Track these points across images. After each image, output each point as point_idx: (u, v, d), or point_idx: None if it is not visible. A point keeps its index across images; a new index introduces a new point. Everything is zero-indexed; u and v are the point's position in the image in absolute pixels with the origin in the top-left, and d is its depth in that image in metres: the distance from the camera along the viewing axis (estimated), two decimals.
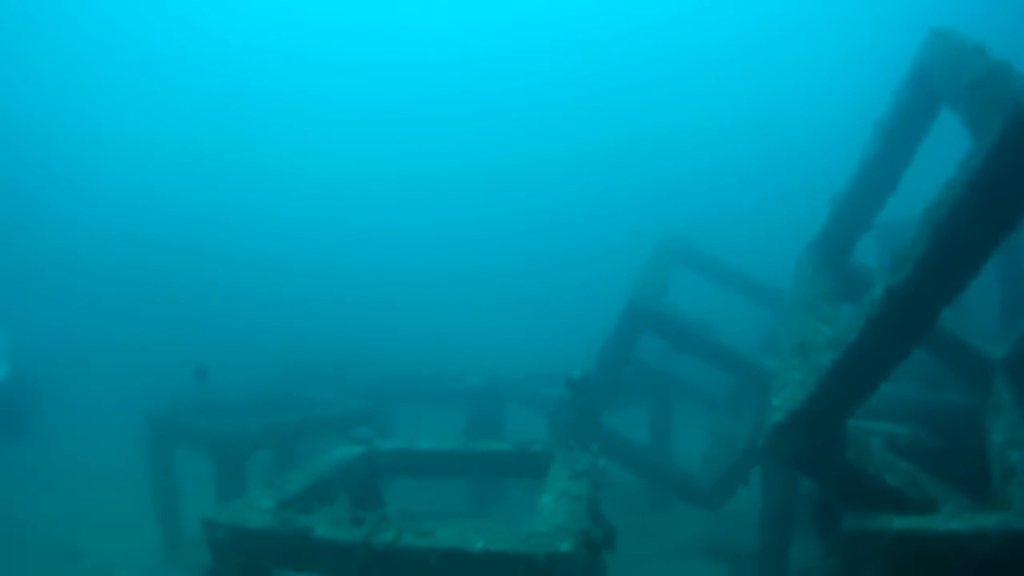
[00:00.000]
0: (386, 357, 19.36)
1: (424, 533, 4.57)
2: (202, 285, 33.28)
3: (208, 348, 22.55)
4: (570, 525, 4.63)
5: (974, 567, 4.10)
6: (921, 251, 4.42)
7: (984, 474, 5.30)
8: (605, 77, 48.70)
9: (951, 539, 4.21)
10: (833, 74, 41.42)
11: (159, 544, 11.34)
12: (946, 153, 5.10)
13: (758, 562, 8.69)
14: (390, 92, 50.67)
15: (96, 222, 37.14)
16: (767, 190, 39.41)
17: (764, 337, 12.51)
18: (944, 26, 6.10)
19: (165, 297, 31.62)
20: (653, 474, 10.60)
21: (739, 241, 16.71)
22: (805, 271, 7.91)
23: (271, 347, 21.66)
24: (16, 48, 42.33)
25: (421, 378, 14.90)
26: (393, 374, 15.41)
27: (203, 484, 11.28)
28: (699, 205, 34.36)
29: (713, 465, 12.54)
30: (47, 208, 37.30)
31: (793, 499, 8.34)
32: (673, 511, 12.23)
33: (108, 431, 18.03)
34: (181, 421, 10.11)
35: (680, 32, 47.34)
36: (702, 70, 46.83)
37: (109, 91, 46.24)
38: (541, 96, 49.23)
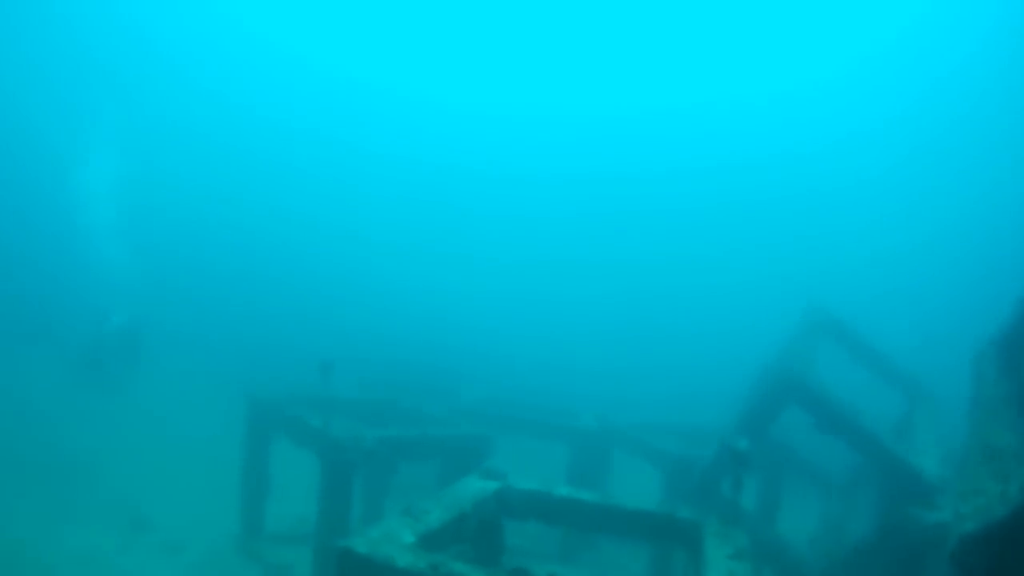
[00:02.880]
0: (492, 377, 18.87)
1: None
2: (319, 283, 33.25)
3: (314, 341, 22.49)
4: None
5: None
6: None
7: None
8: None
9: None
10: None
11: (237, 532, 10.87)
12: None
13: None
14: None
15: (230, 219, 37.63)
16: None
17: (895, 424, 11.73)
18: None
19: (284, 287, 31.73)
20: (761, 551, 9.95)
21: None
22: (987, 371, 7.23)
23: (376, 350, 21.39)
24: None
25: (529, 408, 14.36)
26: (499, 398, 14.88)
27: (294, 480, 10.95)
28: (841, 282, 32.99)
29: (820, 550, 11.88)
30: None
31: None
32: None
33: (202, 403, 17.86)
34: (289, 414, 9.61)
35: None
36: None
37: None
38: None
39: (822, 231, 42.10)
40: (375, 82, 52.72)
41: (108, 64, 41.34)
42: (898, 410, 12.34)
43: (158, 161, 37.71)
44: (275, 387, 11.26)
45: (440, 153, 50.38)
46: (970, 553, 4.67)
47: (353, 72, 52.50)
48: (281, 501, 10.91)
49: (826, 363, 11.58)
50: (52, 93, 39.47)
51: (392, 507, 12.37)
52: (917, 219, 40.45)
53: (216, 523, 11.26)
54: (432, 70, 53.37)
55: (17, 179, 32.05)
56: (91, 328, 18.43)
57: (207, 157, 43.39)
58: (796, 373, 9.05)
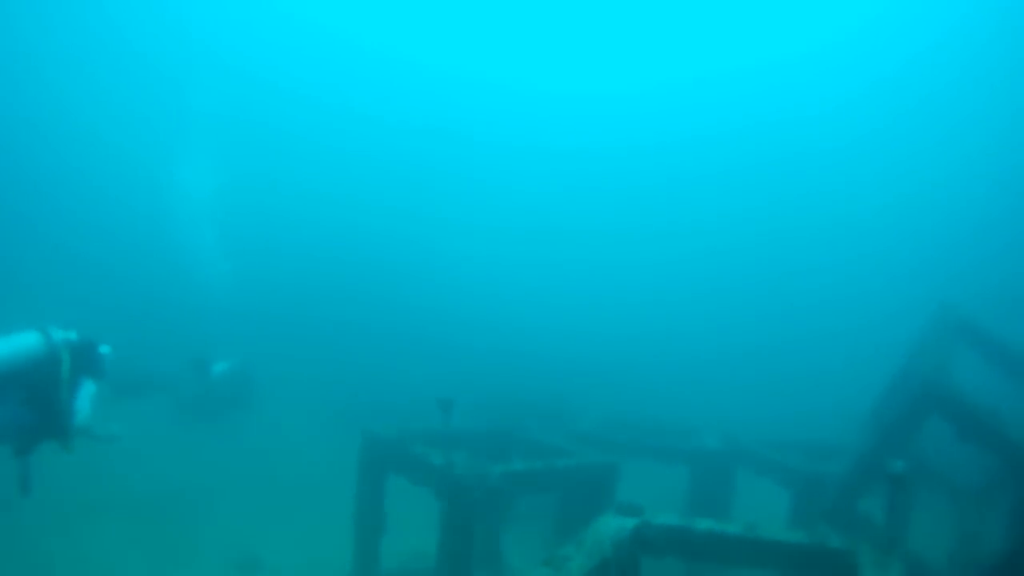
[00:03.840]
0: (607, 395, 18.57)
1: None
2: (428, 298, 33.19)
3: (427, 364, 22.45)
4: None
5: None
6: None
7: None
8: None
9: None
10: None
11: (349, 572, 10.63)
12: None
13: None
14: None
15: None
16: None
17: None
18: None
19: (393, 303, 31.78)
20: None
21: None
22: None
23: (482, 372, 21.24)
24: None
25: (646, 430, 14.01)
26: (615, 420, 14.54)
27: (407, 513, 10.74)
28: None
29: (961, 567, 11.29)
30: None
31: None
32: None
33: (315, 438, 17.96)
34: (407, 452, 9.34)
35: None
36: None
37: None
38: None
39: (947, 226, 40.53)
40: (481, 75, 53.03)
41: (206, 69, 42.04)
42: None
43: (258, 172, 38.35)
44: (389, 421, 11.13)
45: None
46: None
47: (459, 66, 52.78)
48: (394, 536, 10.72)
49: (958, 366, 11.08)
50: (149, 103, 40.62)
51: (509, 539, 12.22)
52: None
53: (328, 563, 11.17)
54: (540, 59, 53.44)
55: (116, 201, 32.93)
56: (198, 376, 18.73)
57: (311, 164, 44.01)
58: (938, 382, 8.59)
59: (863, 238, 42.56)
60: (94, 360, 7.38)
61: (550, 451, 10.52)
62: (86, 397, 7.22)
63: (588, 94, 52.45)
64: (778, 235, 44.02)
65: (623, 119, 51.62)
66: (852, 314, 36.40)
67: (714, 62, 50.89)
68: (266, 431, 18.84)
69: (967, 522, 12.10)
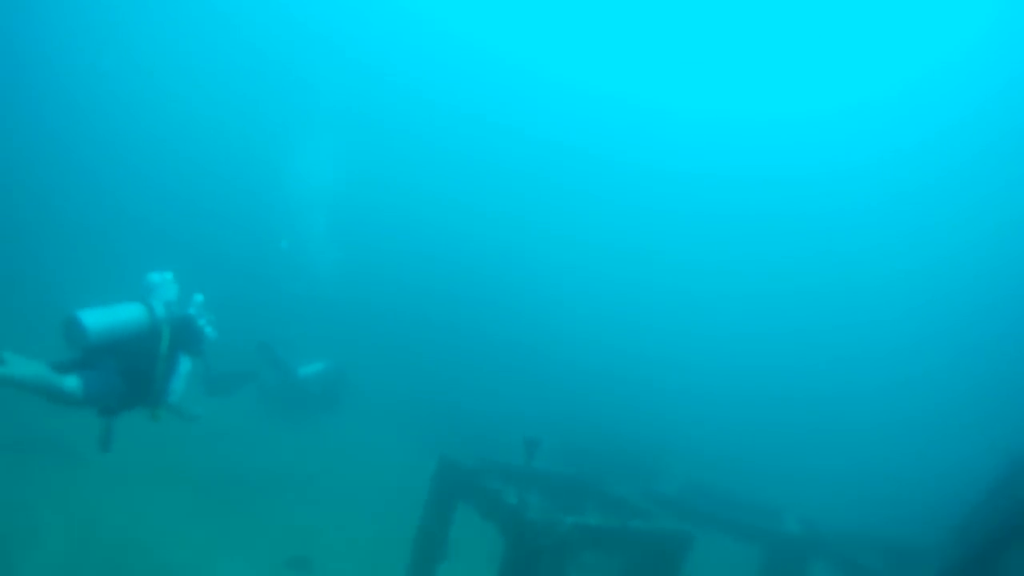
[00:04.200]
0: (692, 458, 18.15)
1: None
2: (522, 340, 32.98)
3: (519, 389, 22.28)
4: None
5: None
6: None
7: None
8: None
9: None
10: None
11: None
12: None
13: None
14: None
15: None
16: None
17: None
18: None
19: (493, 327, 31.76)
20: None
21: None
22: None
23: (573, 409, 21.02)
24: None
25: (728, 502, 13.62)
26: (697, 485, 14.21)
27: (472, 549, 10.61)
28: None
29: None
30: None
31: None
32: None
33: (395, 451, 17.97)
34: (481, 484, 9.17)
35: None
36: None
37: None
38: None
39: None
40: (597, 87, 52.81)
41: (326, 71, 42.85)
42: None
43: (378, 169, 38.77)
44: (470, 448, 10.98)
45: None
46: None
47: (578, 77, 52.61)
48: (453, 564, 10.58)
49: None
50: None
51: None
52: None
53: None
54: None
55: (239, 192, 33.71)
56: (294, 371, 18.90)
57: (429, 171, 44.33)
58: None
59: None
60: (194, 338, 7.46)
61: (626, 509, 10.25)
62: (181, 374, 7.30)
63: (721, 117, 52.12)
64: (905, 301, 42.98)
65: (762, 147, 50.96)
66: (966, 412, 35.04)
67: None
68: (348, 434, 18.96)
69: None
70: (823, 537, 12.28)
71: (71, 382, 6.32)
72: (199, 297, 7.85)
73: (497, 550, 8.18)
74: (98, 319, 6.48)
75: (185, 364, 7.35)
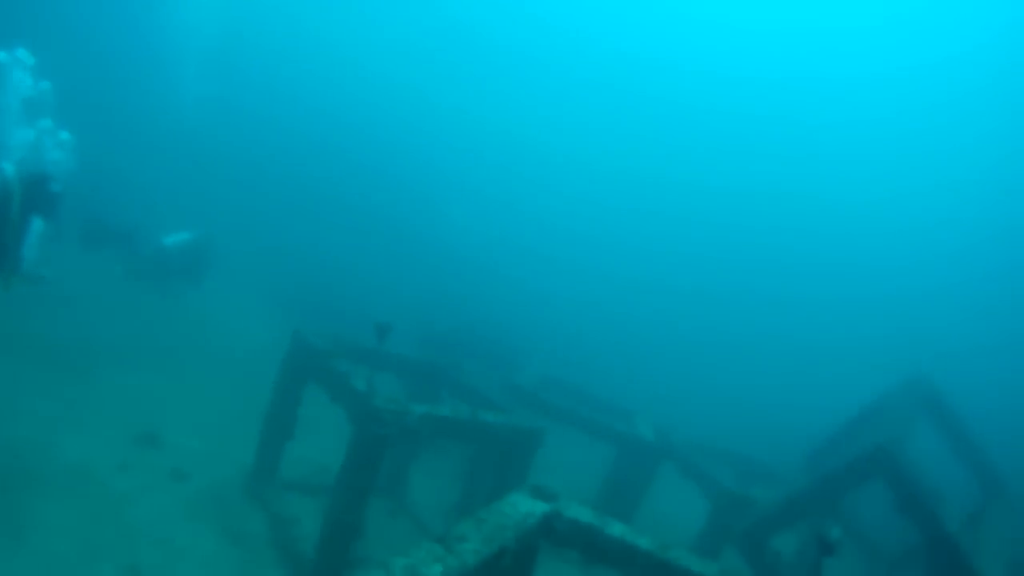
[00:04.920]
0: (551, 356, 18.12)
1: None
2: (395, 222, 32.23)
3: (373, 281, 21.89)
4: None
5: None
6: None
7: None
8: None
9: None
10: None
11: (249, 472, 10.22)
12: None
13: None
14: None
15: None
16: None
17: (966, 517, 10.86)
18: None
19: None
20: None
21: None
22: None
23: (437, 295, 20.75)
24: None
25: (586, 398, 13.63)
26: (556, 380, 14.15)
27: (322, 423, 10.22)
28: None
29: None
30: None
31: None
32: None
33: (255, 328, 17.39)
34: (332, 367, 8.70)
35: None
36: None
37: None
38: None
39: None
40: None
41: None
42: (972, 495, 11.52)
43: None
44: (334, 325, 10.54)
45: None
46: None
47: None
48: (303, 444, 10.22)
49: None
50: None
51: (416, 476, 11.81)
52: None
53: (230, 456, 10.67)
54: None
55: None
56: (157, 242, 18.24)
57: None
58: (894, 453, 8.27)
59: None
60: (47, 199, 6.87)
61: (480, 400, 10.04)
62: (34, 237, 6.78)
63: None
64: (780, 232, 43.84)
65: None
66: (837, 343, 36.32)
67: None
68: (212, 306, 18.32)
69: None
70: (674, 446, 12.43)
71: None
72: (46, 123, 7.26)
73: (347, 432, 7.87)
74: None
75: (37, 224, 6.79)
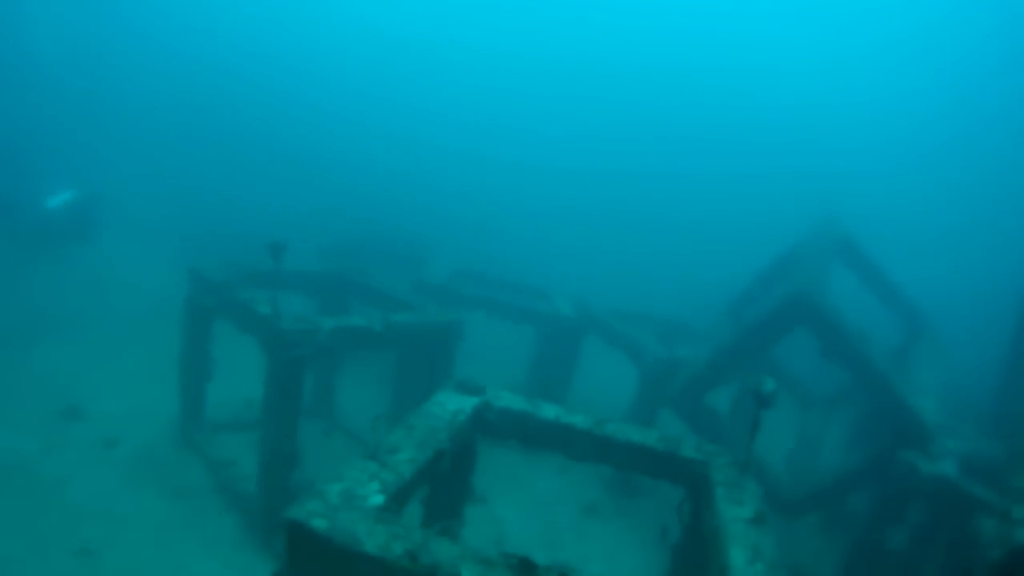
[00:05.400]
0: (461, 246, 17.79)
1: None
2: (282, 132, 31.13)
3: (272, 194, 21.20)
4: None
5: None
6: None
7: None
8: None
9: None
10: None
11: (177, 423, 9.98)
12: None
13: None
14: None
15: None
16: None
17: (892, 353, 11.06)
18: None
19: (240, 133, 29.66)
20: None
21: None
22: None
23: (336, 207, 20.17)
24: None
25: (499, 285, 13.42)
26: (467, 271, 13.90)
27: (239, 359, 9.85)
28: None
29: (797, 470, 11.45)
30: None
31: None
32: None
33: (154, 279, 16.65)
34: (233, 297, 8.39)
35: None
36: None
37: None
38: None
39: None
40: None
41: None
42: (895, 336, 11.97)
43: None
44: (234, 255, 10.08)
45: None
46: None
47: None
48: (225, 384, 9.86)
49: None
50: None
51: (344, 390, 11.53)
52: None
53: (156, 412, 10.35)
54: None
55: None
56: (39, 202, 17.51)
57: None
58: (814, 298, 8.27)
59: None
60: None
61: (391, 302, 9.77)
62: None
63: None
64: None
65: None
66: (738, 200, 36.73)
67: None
68: (106, 266, 17.42)
69: (810, 427, 12.26)
70: (595, 315, 12.35)
71: None
72: None
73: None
74: None
75: None
